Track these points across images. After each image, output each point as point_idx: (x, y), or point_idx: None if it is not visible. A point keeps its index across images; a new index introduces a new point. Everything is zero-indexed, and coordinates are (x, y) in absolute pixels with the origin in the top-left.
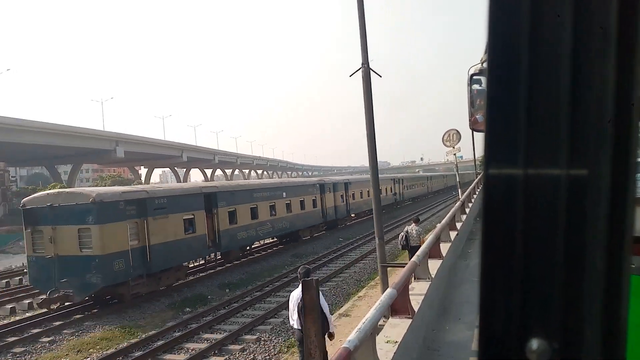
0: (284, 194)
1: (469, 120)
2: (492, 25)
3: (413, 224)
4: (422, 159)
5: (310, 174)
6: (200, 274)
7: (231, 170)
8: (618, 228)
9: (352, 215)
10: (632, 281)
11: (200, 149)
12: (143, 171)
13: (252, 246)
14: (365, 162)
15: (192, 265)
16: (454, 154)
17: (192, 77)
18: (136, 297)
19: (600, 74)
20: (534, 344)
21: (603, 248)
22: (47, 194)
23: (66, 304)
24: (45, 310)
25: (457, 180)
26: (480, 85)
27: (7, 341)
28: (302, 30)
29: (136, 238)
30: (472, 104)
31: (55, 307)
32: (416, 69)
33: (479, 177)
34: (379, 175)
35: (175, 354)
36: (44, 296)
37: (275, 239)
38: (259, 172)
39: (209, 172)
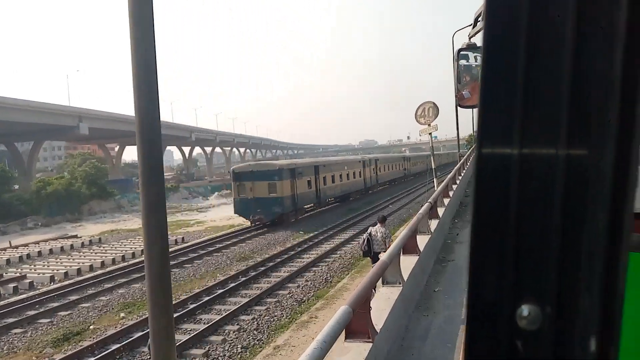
0: (346, 167)
1: (455, 96)
2: None
3: (378, 225)
4: (408, 137)
5: (296, 152)
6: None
7: (211, 148)
8: (618, 204)
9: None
10: (631, 258)
11: (175, 125)
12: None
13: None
14: (351, 140)
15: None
16: (429, 133)
17: (169, 47)
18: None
19: (605, 50)
20: (525, 310)
21: (602, 224)
22: (248, 164)
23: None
24: None
25: (432, 165)
26: (468, 61)
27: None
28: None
29: (291, 189)
30: (458, 79)
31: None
32: (408, 44)
33: (464, 158)
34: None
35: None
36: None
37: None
38: (242, 150)
39: (187, 150)
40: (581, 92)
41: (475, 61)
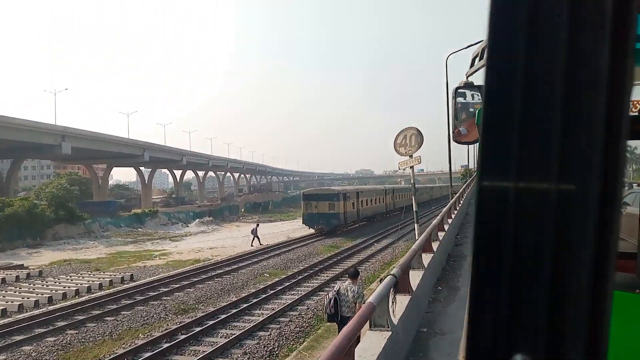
0: (375, 194)
1: (452, 132)
2: (491, 41)
3: (348, 281)
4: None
5: (291, 178)
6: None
7: (204, 172)
8: (604, 243)
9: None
10: (617, 297)
11: (166, 148)
12: (117, 171)
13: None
14: (347, 169)
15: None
16: (411, 167)
17: (165, 72)
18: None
19: (593, 93)
20: (519, 359)
21: (589, 264)
22: (314, 189)
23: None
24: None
25: (413, 205)
26: (465, 99)
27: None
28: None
29: (344, 208)
30: (455, 116)
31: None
32: (405, 73)
33: (457, 194)
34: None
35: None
36: (313, 229)
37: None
38: (236, 175)
39: (178, 173)
40: (571, 133)
41: (472, 99)
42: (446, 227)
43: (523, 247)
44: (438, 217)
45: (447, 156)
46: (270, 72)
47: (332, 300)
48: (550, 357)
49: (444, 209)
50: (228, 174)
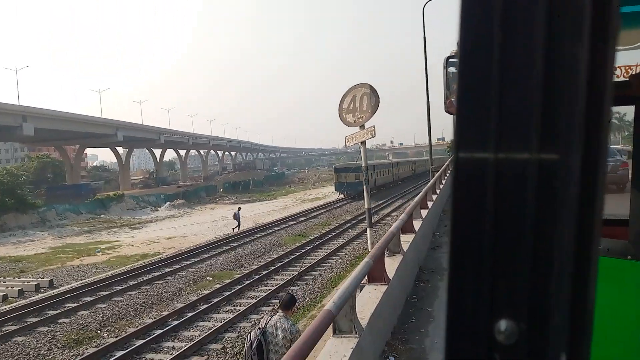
0: (384, 167)
1: (445, 103)
2: (465, 6)
3: (279, 313)
4: (392, 141)
5: (278, 155)
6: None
7: (185, 151)
8: (588, 211)
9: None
10: (609, 263)
11: (141, 126)
12: (101, 152)
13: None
14: (336, 144)
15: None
16: (362, 143)
17: (140, 44)
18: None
19: (574, 58)
20: (502, 324)
21: (573, 230)
22: (343, 164)
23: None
24: None
25: (366, 196)
26: (456, 69)
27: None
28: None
29: (357, 179)
30: (447, 87)
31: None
32: (393, 47)
33: (440, 171)
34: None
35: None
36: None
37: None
38: (220, 153)
39: (158, 152)
40: (552, 98)
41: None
42: (417, 225)
43: (504, 216)
44: (404, 213)
45: (431, 127)
46: (250, 40)
47: (255, 344)
48: (534, 322)
49: (416, 198)
50: (212, 152)
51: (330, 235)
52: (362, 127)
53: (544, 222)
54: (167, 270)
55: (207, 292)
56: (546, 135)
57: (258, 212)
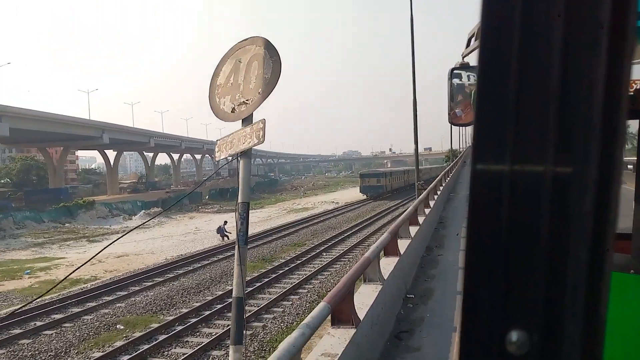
0: (399, 174)
1: (449, 114)
2: (484, 21)
3: None
4: (390, 149)
5: (276, 161)
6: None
7: (178, 155)
8: (601, 225)
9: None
10: (612, 277)
11: (129, 129)
12: (94, 154)
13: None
14: (334, 150)
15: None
16: (240, 154)
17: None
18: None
19: (590, 72)
20: (514, 335)
21: (586, 244)
22: (368, 170)
23: None
24: None
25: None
26: (460, 80)
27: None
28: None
29: (384, 182)
30: (451, 98)
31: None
32: (395, 57)
33: (432, 184)
34: None
35: None
36: (365, 195)
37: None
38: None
39: (150, 156)
40: (567, 112)
41: (468, 80)
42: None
43: (519, 228)
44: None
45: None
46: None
47: None
48: (546, 334)
49: (402, 215)
50: (208, 156)
51: (298, 262)
52: (246, 120)
53: (558, 234)
54: (73, 310)
55: (98, 353)
56: (561, 149)
57: (233, 225)
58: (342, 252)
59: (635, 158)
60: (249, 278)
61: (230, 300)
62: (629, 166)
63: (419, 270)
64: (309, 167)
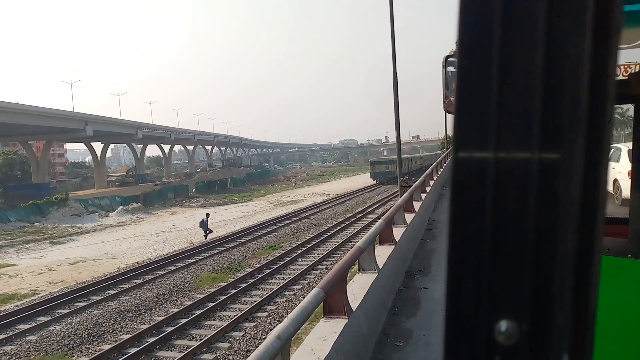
0: (412, 160)
1: (444, 102)
2: (464, 5)
3: None
4: (386, 137)
5: (271, 150)
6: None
7: (169, 146)
8: (590, 210)
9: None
10: (609, 262)
11: (115, 121)
12: (75, 146)
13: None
14: (330, 139)
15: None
16: None
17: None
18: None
19: (575, 57)
20: (503, 325)
21: (574, 231)
22: (377, 158)
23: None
24: None
25: None
26: (455, 68)
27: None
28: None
29: (386, 169)
30: (446, 86)
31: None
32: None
33: (421, 179)
34: None
35: None
36: (375, 180)
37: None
38: (208, 148)
39: (139, 148)
40: (553, 97)
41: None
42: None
43: (505, 217)
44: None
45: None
46: (243, 36)
47: None
48: (536, 323)
49: (398, 201)
50: (201, 147)
51: (267, 271)
52: None
53: (545, 221)
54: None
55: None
56: (547, 134)
57: (217, 220)
58: (319, 257)
59: (631, 143)
60: (202, 295)
61: (168, 331)
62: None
63: (389, 321)
64: (305, 157)
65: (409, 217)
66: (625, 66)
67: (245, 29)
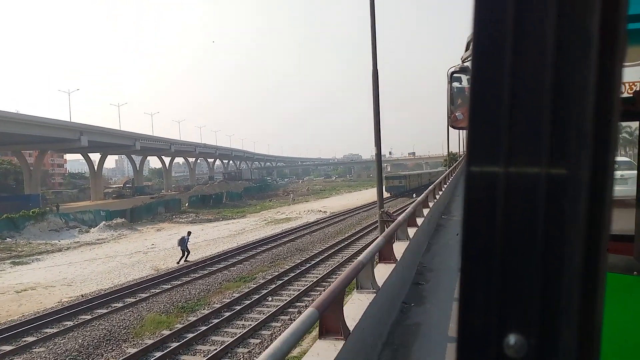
0: (417, 176)
1: (448, 117)
2: (477, 24)
3: None
4: (390, 153)
5: (274, 164)
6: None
7: (170, 158)
8: (595, 226)
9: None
10: (615, 279)
11: (111, 131)
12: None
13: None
14: (335, 153)
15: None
16: None
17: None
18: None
19: (582, 75)
20: (512, 339)
21: (581, 246)
22: (392, 173)
23: None
24: None
25: None
26: (460, 83)
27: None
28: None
29: (405, 183)
30: (452, 101)
31: (389, 194)
32: (407, 63)
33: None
34: None
35: None
36: (388, 194)
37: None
38: (210, 161)
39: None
40: (561, 114)
41: (468, 83)
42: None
43: (514, 231)
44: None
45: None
46: (249, 49)
47: None
48: (544, 337)
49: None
50: (202, 160)
51: (230, 311)
52: None
53: (553, 236)
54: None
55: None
56: (555, 150)
57: (200, 239)
58: (293, 297)
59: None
60: (135, 349)
61: None
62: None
63: None
64: (308, 171)
65: (384, 270)
66: (630, 84)
67: (252, 44)
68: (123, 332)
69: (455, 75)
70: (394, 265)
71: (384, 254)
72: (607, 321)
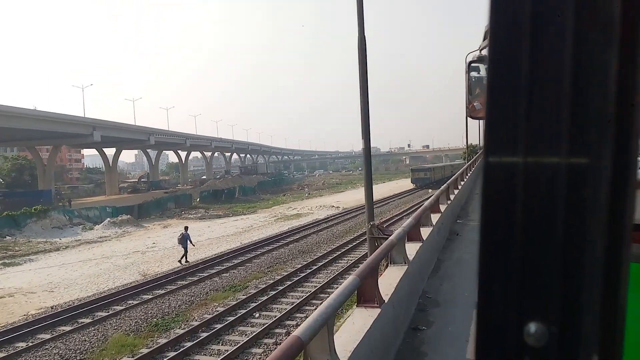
0: (442, 168)
1: (467, 107)
2: (494, 12)
3: None
4: (409, 145)
5: (292, 157)
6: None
7: (186, 153)
8: (618, 216)
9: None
10: (631, 269)
11: (124, 126)
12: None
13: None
14: (352, 147)
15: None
16: None
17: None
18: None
19: (603, 62)
20: (532, 327)
21: (603, 235)
22: (417, 165)
23: None
24: None
25: None
26: (478, 73)
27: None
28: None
29: (430, 175)
30: (470, 91)
31: (415, 186)
32: (411, 55)
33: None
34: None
35: None
36: (414, 185)
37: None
38: (227, 155)
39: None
40: (581, 103)
41: (486, 73)
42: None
43: (535, 221)
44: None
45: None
46: (265, 44)
47: None
48: (565, 326)
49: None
50: (220, 154)
51: (210, 331)
52: None
53: (573, 226)
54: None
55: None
56: (576, 140)
57: (204, 237)
58: (284, 312)
59: None
60: None
61: None
62: None
63: None
64: (325, 164)
65: (361, 321)
66: None
67: (268, 39)
68: (77, 359)
69: (473, 64)
70: (378, 310)
71: (365, 294)
72: (629, 311)
